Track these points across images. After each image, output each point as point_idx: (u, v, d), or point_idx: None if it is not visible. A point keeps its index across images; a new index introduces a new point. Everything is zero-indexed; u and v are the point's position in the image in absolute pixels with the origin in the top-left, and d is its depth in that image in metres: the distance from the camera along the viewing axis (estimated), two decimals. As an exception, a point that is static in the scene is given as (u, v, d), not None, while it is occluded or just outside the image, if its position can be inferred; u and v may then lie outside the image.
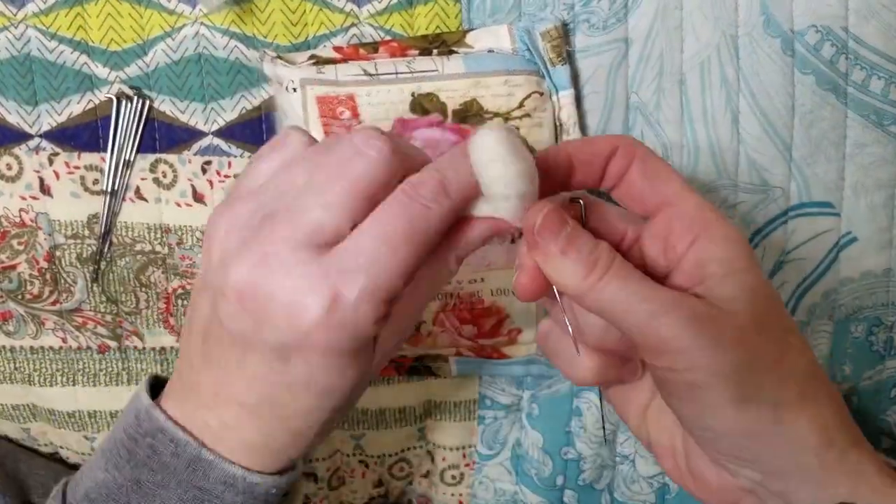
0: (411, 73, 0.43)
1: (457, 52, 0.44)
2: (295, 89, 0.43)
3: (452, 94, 0.43)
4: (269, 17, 0.45)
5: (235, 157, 0.46)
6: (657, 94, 0.45)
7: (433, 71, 0.43)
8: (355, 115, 0.43)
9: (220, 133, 0.46)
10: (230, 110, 0.45)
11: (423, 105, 0.43)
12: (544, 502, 0.51)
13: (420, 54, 0.44)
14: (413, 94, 0.43)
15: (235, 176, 0.46)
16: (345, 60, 0.44)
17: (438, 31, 0.45)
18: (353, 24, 0.45)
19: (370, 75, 0.43)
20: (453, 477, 0.52)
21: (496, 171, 0.31)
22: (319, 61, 0.44)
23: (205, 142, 0.46)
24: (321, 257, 0.30)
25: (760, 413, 0.31)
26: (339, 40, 0.45)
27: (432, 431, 0.51)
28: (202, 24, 0.44)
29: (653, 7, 0.44)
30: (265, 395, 0.33)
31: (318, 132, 0.43)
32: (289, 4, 0.44)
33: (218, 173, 0.46)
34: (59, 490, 0.37)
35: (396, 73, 0.43)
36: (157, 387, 0.37)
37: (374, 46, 0.44)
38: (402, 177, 0.32)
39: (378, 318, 0.31)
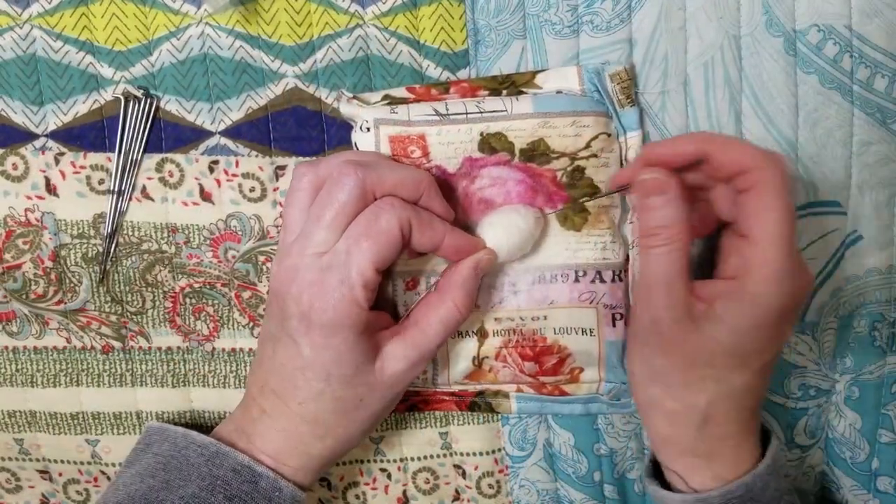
0: (481, 112, 0.44)
1: (526, 93, 0.45)
2: (368, 129, 0.44)
3: (520, 134, 0.44)
4: (274, 17, 0.45)
5: (243, 156, 0.46)
6: (662, 96, 0.45)
7: (502, 111, 0.44)
8: (425, 153, 0.44)
9: (227, 132, 0.46)
10: (236, 110, 0.45)
11: (492, 144, 0.44)
12: (587, 499, 0.51)
13: (490, 94, 0.45)
14: (482, 134, 0.44)
15: (244, 175, 0.46)
16: (417, 100, 0.45)
17: (443, 31, 0.45)
18: (357, 25, 0.45)
19: (441, 115, 0.44)
20: (490, 486, 0.51)
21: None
22: (393, 101, 0.45)
23: (212, 141, 0.46)
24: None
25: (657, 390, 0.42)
26: (345, 41, 0.45)
27: (456, 440, 0.50)
28: (207, 24, 0.44)
29: (656, 8, 0.44)
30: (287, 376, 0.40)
31: None
32: (293, 5, 0.44)
33: (226, 172, 0.46)
34: None
35: (466, 114, 0.44)
36: None
37: (445, 87, 0.45)
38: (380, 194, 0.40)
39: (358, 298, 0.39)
